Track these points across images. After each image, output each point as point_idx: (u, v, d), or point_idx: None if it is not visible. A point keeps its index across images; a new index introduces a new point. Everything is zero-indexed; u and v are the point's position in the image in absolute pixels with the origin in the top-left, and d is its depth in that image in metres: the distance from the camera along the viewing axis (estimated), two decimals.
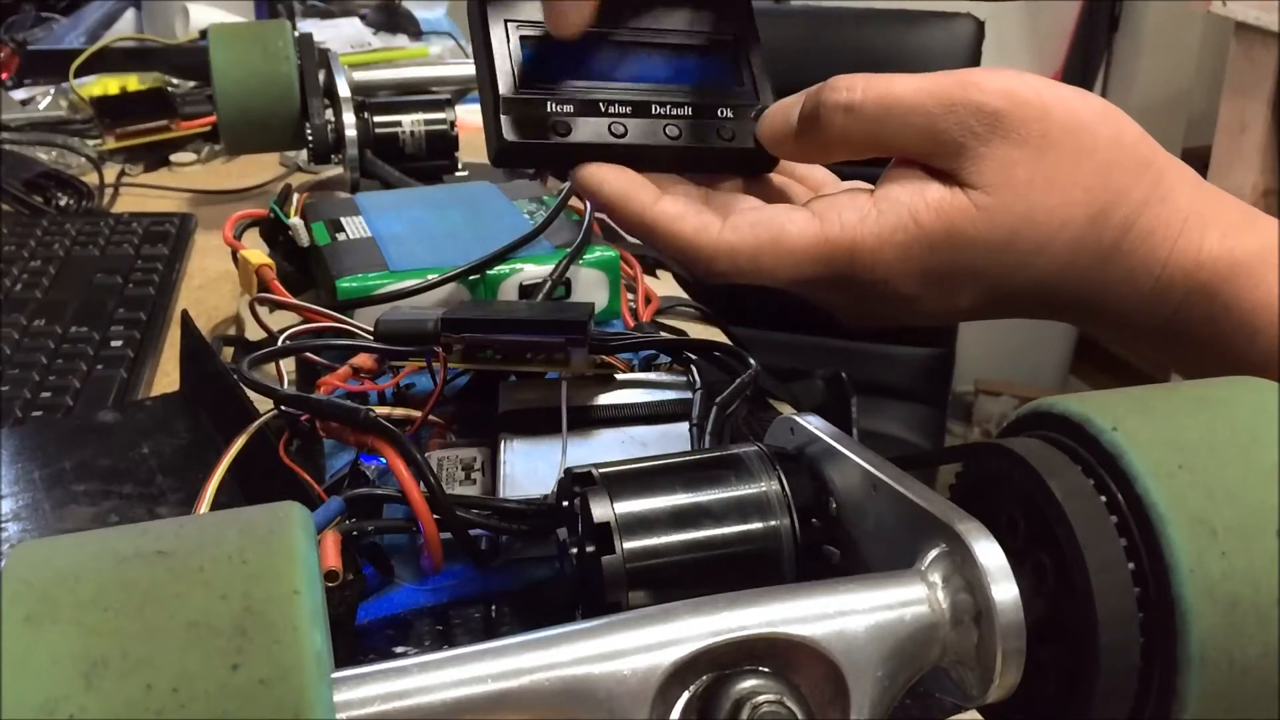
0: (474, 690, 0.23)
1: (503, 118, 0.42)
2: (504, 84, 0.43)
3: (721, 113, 0.45)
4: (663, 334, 0.59)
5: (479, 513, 0.40)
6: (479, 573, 0.42)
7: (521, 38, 0.44)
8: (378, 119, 0.81)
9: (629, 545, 0.31)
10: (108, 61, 1.13)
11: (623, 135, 0.43)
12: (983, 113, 0.39)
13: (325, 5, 1.42)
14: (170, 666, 0.20)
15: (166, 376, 0.62)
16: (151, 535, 0.23)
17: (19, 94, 1.12)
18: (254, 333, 0.57)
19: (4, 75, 1.14)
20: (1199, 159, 1.34)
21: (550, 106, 0.43)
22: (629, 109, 0.43)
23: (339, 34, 1.27)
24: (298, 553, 0.22)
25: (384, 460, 0.39)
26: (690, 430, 0.45)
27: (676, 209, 0.41)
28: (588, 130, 0.43)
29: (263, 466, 0.42)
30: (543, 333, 0.46)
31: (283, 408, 0.43)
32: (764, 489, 0.32)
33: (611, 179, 0.42)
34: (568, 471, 0.34)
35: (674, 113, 0.44)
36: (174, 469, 0.49)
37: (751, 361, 0.49)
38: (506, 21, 0.44)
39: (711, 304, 0.70)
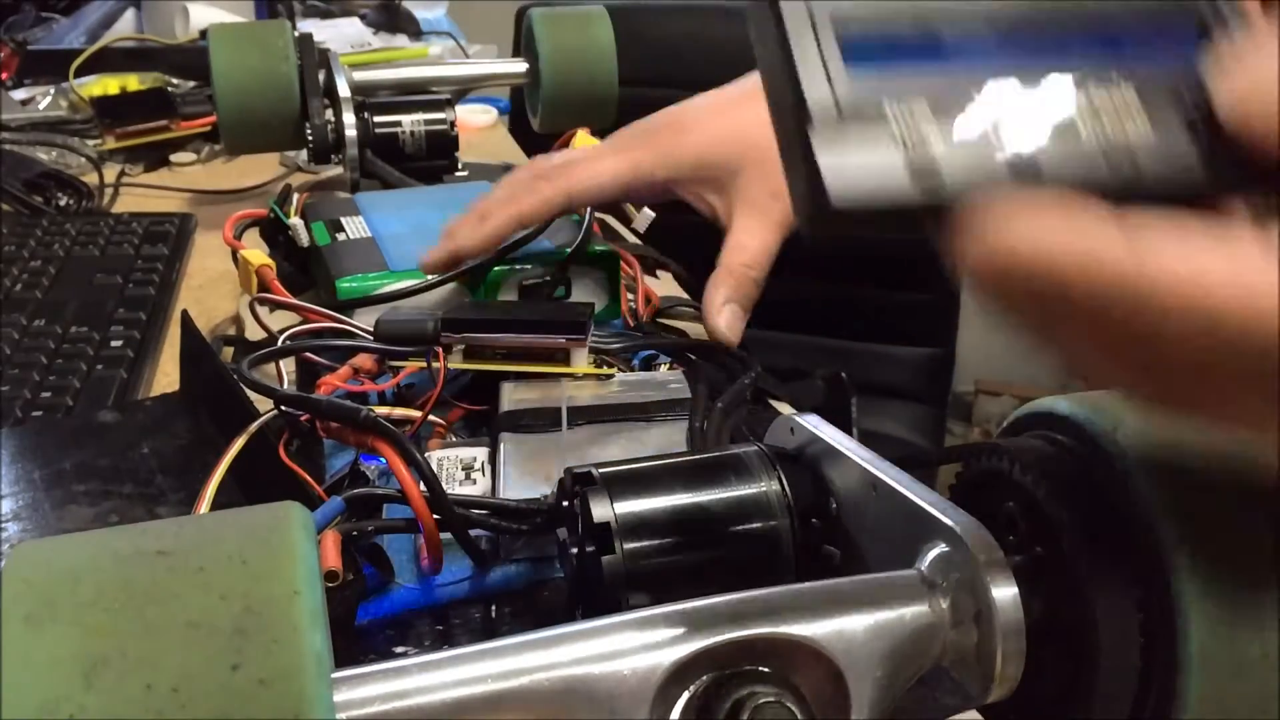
0: (474, 690, 0.23)
1: (822, 161, 0.23)
2: (818, 109, 0.24)
3: (1191, 101, 0.24)
4: (663, 334, 0.59)
5: (479, 513, 0.40)
6: (479, 573, 0.42)
7: (845, 33, 0.24)
8: (378, 119, 0.81)
9: (629, 545, 0.31)
10: (108, 61, 1.13)
11: (1037, 172, 0.24)
12: None
13: (325, 5, 1.42)
14: (170, 666, 0.20)
15: (166, 376, 0.62)
16: (151, 535, 0.23)
17: (19, 94, 1.12)
18: (254, 333, 0.57)
19: (4, 75, 1.14)
20: None
21: (902, 135, 0.23)
22: (1045, 128, 0.24)
23: (339, 34, 1.27)
24: (298, 553, 0.22)
25: (384, 460, 0.39)
26: (690, 430, 0.45)
27: (1181, 251, 0.22)
28: (970, 168, 0.23)
29: (263, 466, 0.42)
30: (543, 333, 0.46)
31: (283, 408, 0.43)
32: (764, 489, 0.32)
33: (1047, 233, 0.22)
34: (568, 471, 0.34)
35: (1124, 122, 0.24)
36: (174, 469, 0.49)
37: (752, 361, 0.49)
38: (812, 7, 0.24)
39: None
